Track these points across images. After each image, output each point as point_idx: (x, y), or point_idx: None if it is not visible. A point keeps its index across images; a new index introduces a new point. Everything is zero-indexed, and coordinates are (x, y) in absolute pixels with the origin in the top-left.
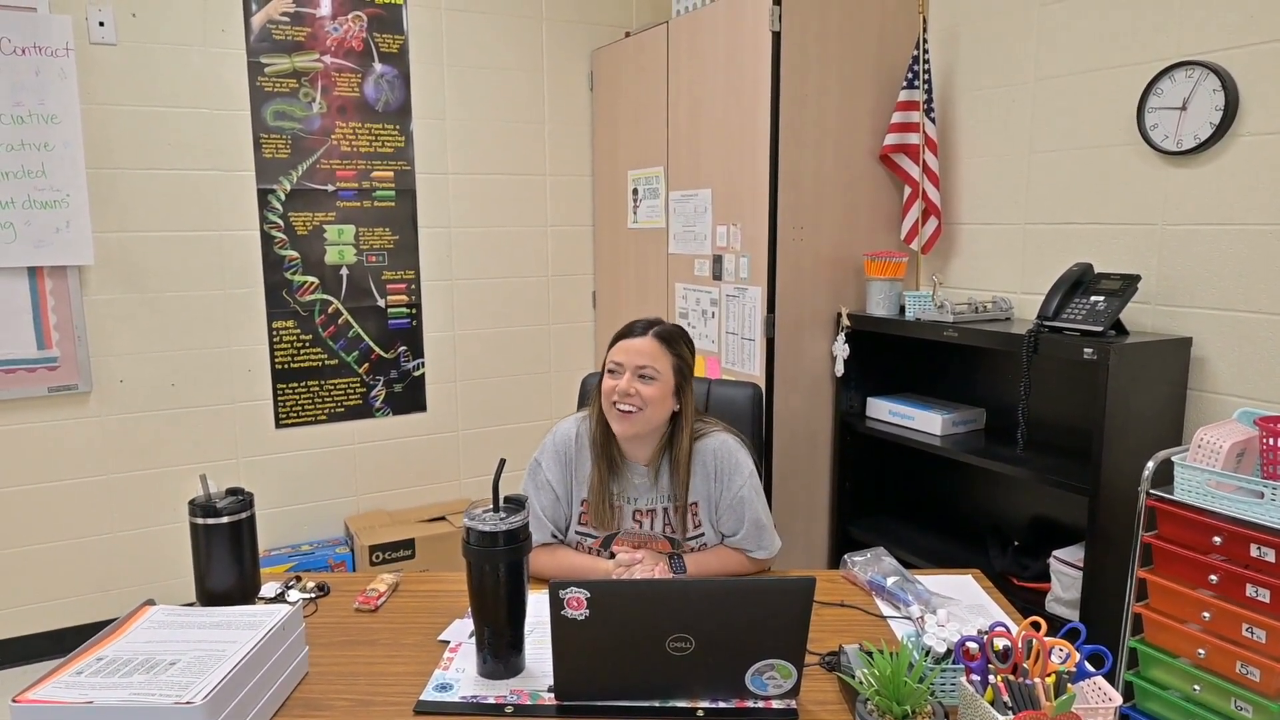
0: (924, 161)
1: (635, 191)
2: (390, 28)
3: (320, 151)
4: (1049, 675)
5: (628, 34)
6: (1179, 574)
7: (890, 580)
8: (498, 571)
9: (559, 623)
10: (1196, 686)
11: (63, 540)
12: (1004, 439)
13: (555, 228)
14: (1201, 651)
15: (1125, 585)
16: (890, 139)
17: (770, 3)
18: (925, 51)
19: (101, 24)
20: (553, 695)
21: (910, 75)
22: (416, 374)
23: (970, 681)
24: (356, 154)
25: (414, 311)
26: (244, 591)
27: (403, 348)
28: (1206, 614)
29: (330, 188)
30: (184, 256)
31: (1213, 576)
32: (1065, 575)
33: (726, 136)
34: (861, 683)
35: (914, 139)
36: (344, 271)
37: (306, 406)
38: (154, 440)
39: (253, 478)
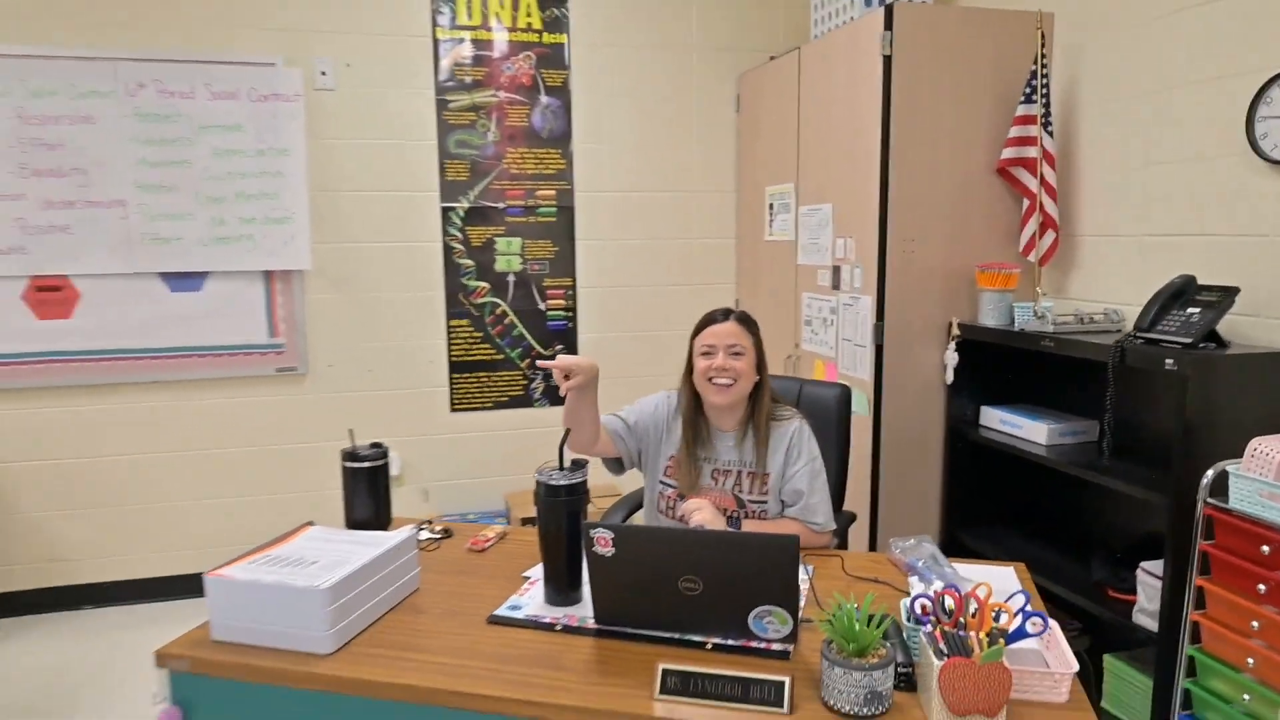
0: (1041, 174)
1: (771, 206)
2: (555, 64)
3: (493, 174)
4: (984, 631)
5: (772, 58)
6: (1232, 583)
7: (921, 562)
8: (559, 517)
9: (592, 558)
10: (1246, 696)
11: (278, 493)
12: (1114, 451)
13: (700, 240)
14: (1251, 660)
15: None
16: (1007, 153)
17: (882, 29)
18: (1044, 66)
19: (323, 73)
20: (596, 622)
21: (1028, 90)
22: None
23: (923, 633)
24: (524, 175)
25: (570, 314)
26: (378, 521)
27: (559, 346)
28: (1255, 623)
29: (501, 205)
30: (381, 263)
31: (1261, 586)
32: (1149, 586)
33: (845, 154)
34: (828, 624)
35: (1032, 152)
36: (511, 278)
37: (476, 395)
38: (352, 415)
39: (429, 453)
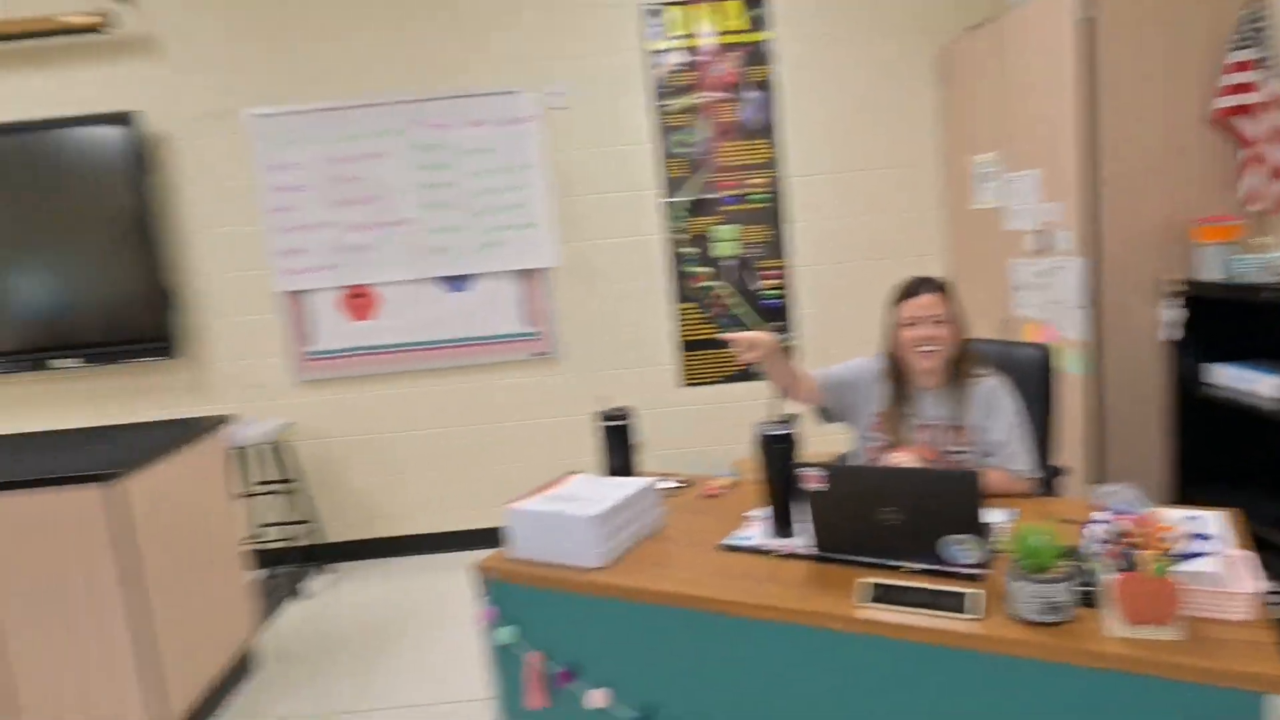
0: (1266, 120)
1: (976, 176)
2: (759, 60)
3: (708, 168)
4: (1156, 550)
5: (972, 28)
6: None
7: (1120, 502)
8: (776, 461)
9: (809, 493)
10: None
11: (537, 459)
12: None
13: (906, 214)
14: None
15: None
16: (1224, 101)
17: None
18: (1261, 9)
19: (558, 94)
20: (811, 549)
21: (1242, 35)
22: (787, 345)
23: (1100, 552)
24: (735, 167)
25: (784, 293)
26: (628, 470)
27: (775, 323)
28: None
29: (717, 196)
30: (614, 257)
31: None
32: None
33: (1050, 118)
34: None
35: (1252, 98)
36: (729, 262)
37: (705, 370)
38: (595, 392)
39: (663, 424)
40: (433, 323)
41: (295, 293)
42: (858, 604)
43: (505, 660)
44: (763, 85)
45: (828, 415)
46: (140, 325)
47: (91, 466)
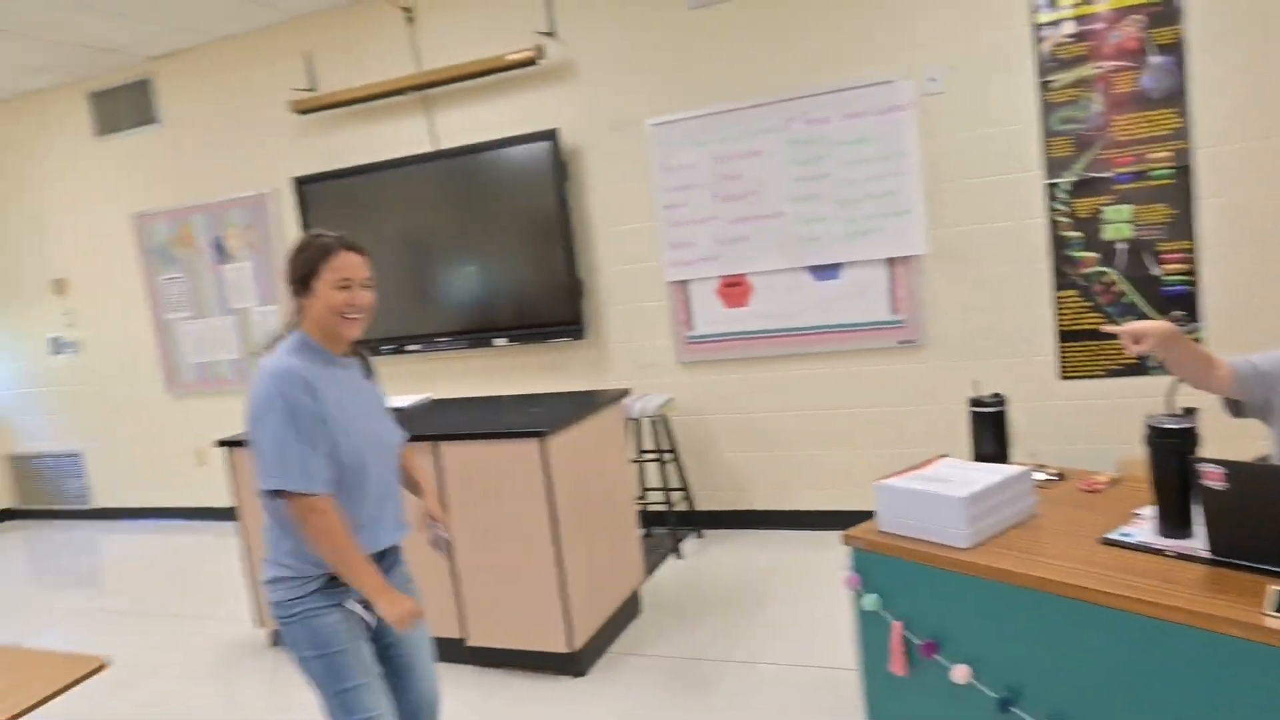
0: None
1: None
2: (1166, 20)
3: (1099, 144)
4: None
5: None
6: None
7: None
8: (1168, 458)
9: (1204, 491)
10: None
11: (899, 446)
12: None
13: None
14: None
15: None
16: None
17: None
18: None
19: (932, 80)
20: (1206, 552)
21: None
22: (1194, 336)
23: None
24: (1133, 141)
25: (1191, 278)
26: (1000, 457)
27: (1178, 312)
28: None
29: (1108, 174)
30: (988, 243)
31: None
32: None
33: None
34: None
35: None
36: (1121, 246)
37: (1087, 363)
38: (963, 383)
39: (1037, 419)
40: (801, 310)
41: (680, 282)
42: (1268, 612)
43: (869, 626)
44: (1169, 49)
45: (1240, 410)
46: (556, 311)
47: (529, 425)
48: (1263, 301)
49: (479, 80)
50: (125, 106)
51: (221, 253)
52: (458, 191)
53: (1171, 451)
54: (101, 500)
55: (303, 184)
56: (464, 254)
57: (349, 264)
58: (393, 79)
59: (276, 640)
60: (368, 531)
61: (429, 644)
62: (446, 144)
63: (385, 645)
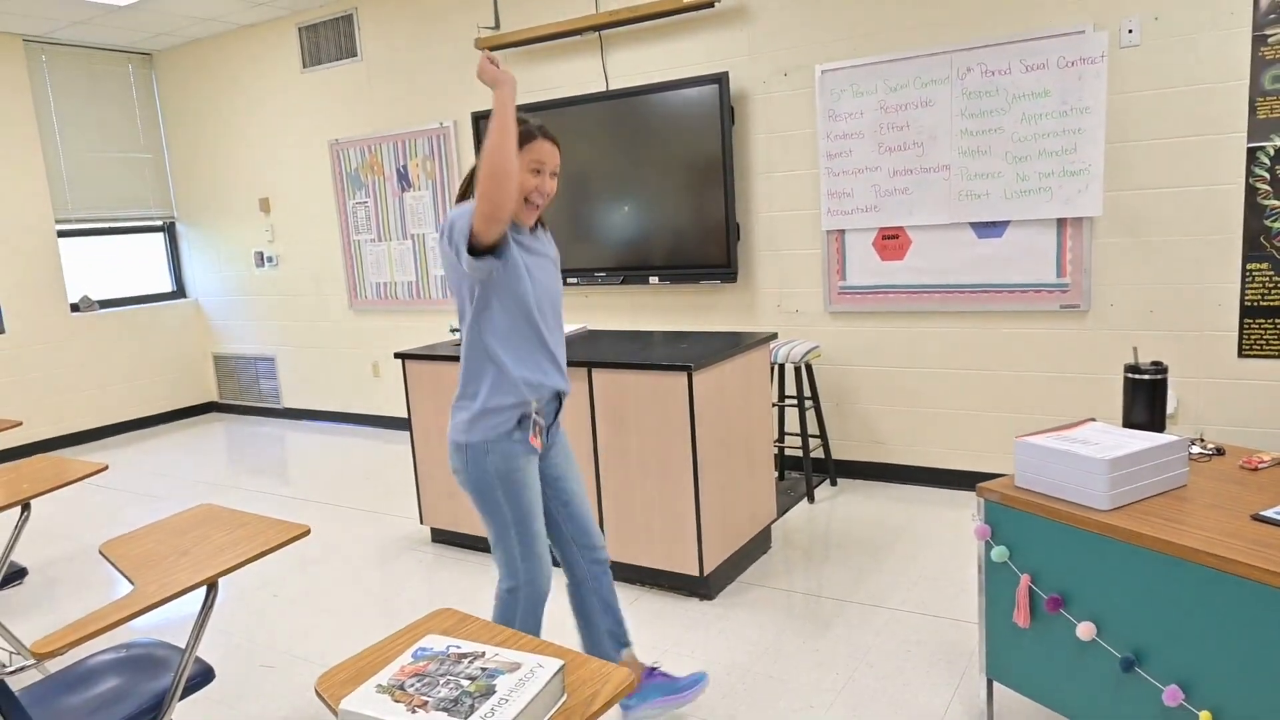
0: None
1: None
2: None
3: None
4: None
5: None
6: None
7: None
8: None
9: None
10: None
11: (1052, 414)
12: None
13: None
14: None
15: None
16: None
17: None
18: None
19: (1130, 31)
20: None
21: None
22: None
23: None
24: None
25: None
26: (1153, 425)
27: None
28: None
29: None
30: (1172, 208)
31: None
32: None
33: None
34: None
35: None
36: None
37: (1271, 342)
38: (1130, 353)
39: (1209, 396)
40: (960, 267)
41: (837, 231)
42: None
43: (995, 577)
44: None
45: None
46: (710, 253)
47: (677, 359)
48: None
49: (653, 22)
50: (330, 40)
51: (405, 181)
52: (624, 131)
53: None
54: (290, 401)
55: (480, 119)
56: (626, 193)
57: (545, 151)
58: (571, 19)
59: (436, 536)
60: (553, 373)
61: (581, 479)
62: (617, 84)
63: (552, 479)
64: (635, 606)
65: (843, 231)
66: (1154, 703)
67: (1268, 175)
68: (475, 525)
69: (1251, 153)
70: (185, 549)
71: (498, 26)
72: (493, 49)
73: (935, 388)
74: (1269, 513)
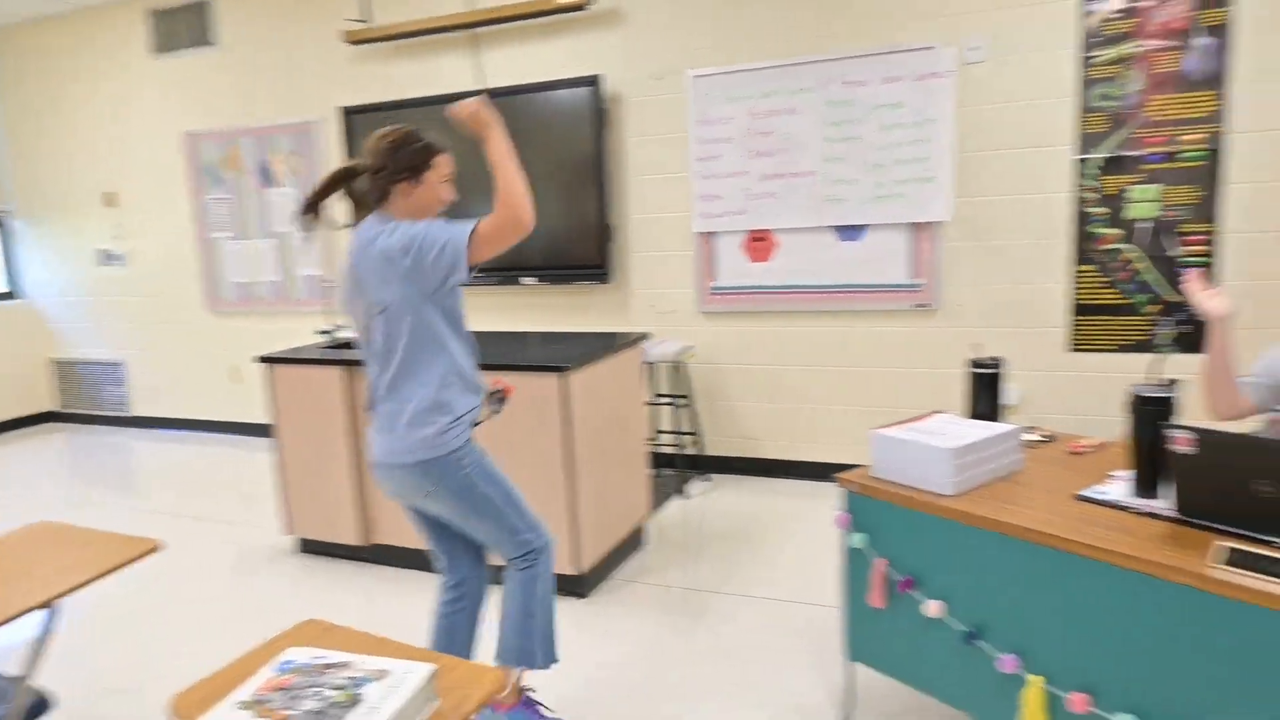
0: None
1: None
2: (1215, 2)
3: (1133, 123)
4: None
5: None
6: None
7: None
8: (1146, 423)
9: (1175, 456)
10: None
11: (904, 407)
12: None
13: None
14: None
15: None
16: None
17: None
18: None
19: (974, 49)
20: (1171, 511)
21: None
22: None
23: None
24: (1167, 122)
25: (1209, 261)
26: (992, 416)
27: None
28: None
29: (1139, 153)
30: (1010, 214)
31: None
32: None
33: None
34: None
35: None
36: (1143, 225)
37: (1097, 337)
38: (970, 348)
39: (1044, 388)
40: (823, 268)
41: (708, 234)
42: (1212, 564)
43: (854, 563)
44: (1215, 31)
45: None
46: (584, 254)
47: (551, 360)
48: (1276, 288)
49: (527, 22)
50: (183, 26)
51: (267, 177)
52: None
53: (1150, 418)
54: (140, 409)
55: (350, 114)
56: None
57: (449, 162)
58: (444, 15)
59: (304, 546)
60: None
61: None
62: (491, 83)
63: None
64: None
65: (713, 234)
66: (992, 670)
67: (1093, 184)
68: (348, 532)
69: (1079, 164)
70: (22, 570)
71: (367, 19)
72: (359, 42)
73: (801, 384)
74: (1088, 492)
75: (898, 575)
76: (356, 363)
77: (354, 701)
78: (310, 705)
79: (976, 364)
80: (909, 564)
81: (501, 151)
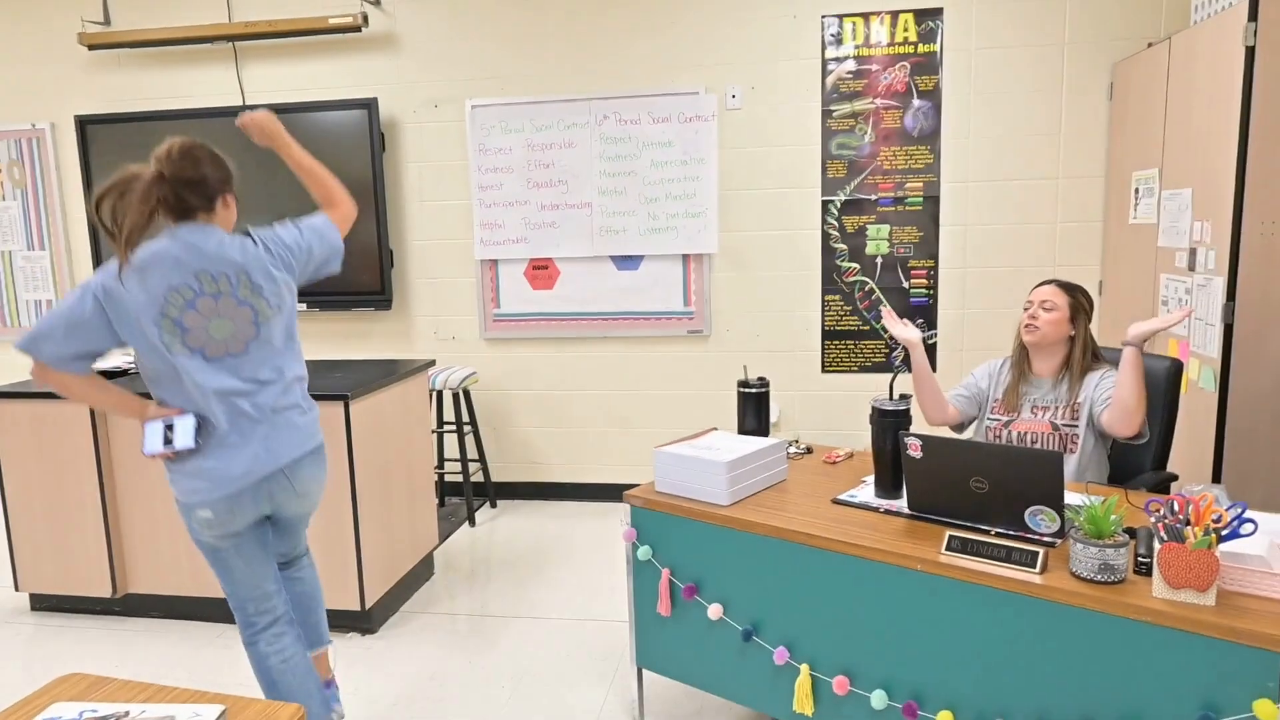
0: None
1: (1136, 190)
2: (928, 70)
3: (868, 171)
4: (1200, 527)
5: (1150, 44)
6: None
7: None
8: (885, 433)
9: (907, 460)
10: None
11: (683, 426)
12: None
13: (1064, 224)
14: None
15: None
16: None
17: (1245, 19)
18: None
19: (733, 96)
20: (908, 509)
21: None
22: (930, 342)
23: (1151, 525)
24: (895, 170)
25: (931, 292)
26: (761, 431)
27: (920, 320)
28: None
29: (873, 197)
30: (770, 248)
31: None
32: None
33: (1206, 139)
34: (1076, 513)
35: None
36: (879, 260)
37: (845, 359)
38: (740, 370)
39: (803, 405)
40: (602, 296)
41: (490, 261)
42: (942, 552)
43: (641, 574)
44: (927, 94)
45: (961, 429)
46: (364, 280)
47: (333, 389)
48: (982, 315)
49: (296, 39)
50: None
51: None
52: (263, 150)
53: (888, 428)
54: None
55: (86, 123)
56: (267, 216)
57: None
58: (199, 25)
59: (36, 604)
60: None
61: None
62: (255, 99)
63: None
64: None
65: (496, 261)
66: (768, 663)
67: (836, 223)
68: (96, 584)
69: (825, 204)
70: None
71: (107, 23)
72: (95, 47)
73: (584, 408)
74: (842, 496)
75: (681, 583)
76: None
77: None
78: None
79: (745, 385)
80: (691, 572)
81: (303, 154)
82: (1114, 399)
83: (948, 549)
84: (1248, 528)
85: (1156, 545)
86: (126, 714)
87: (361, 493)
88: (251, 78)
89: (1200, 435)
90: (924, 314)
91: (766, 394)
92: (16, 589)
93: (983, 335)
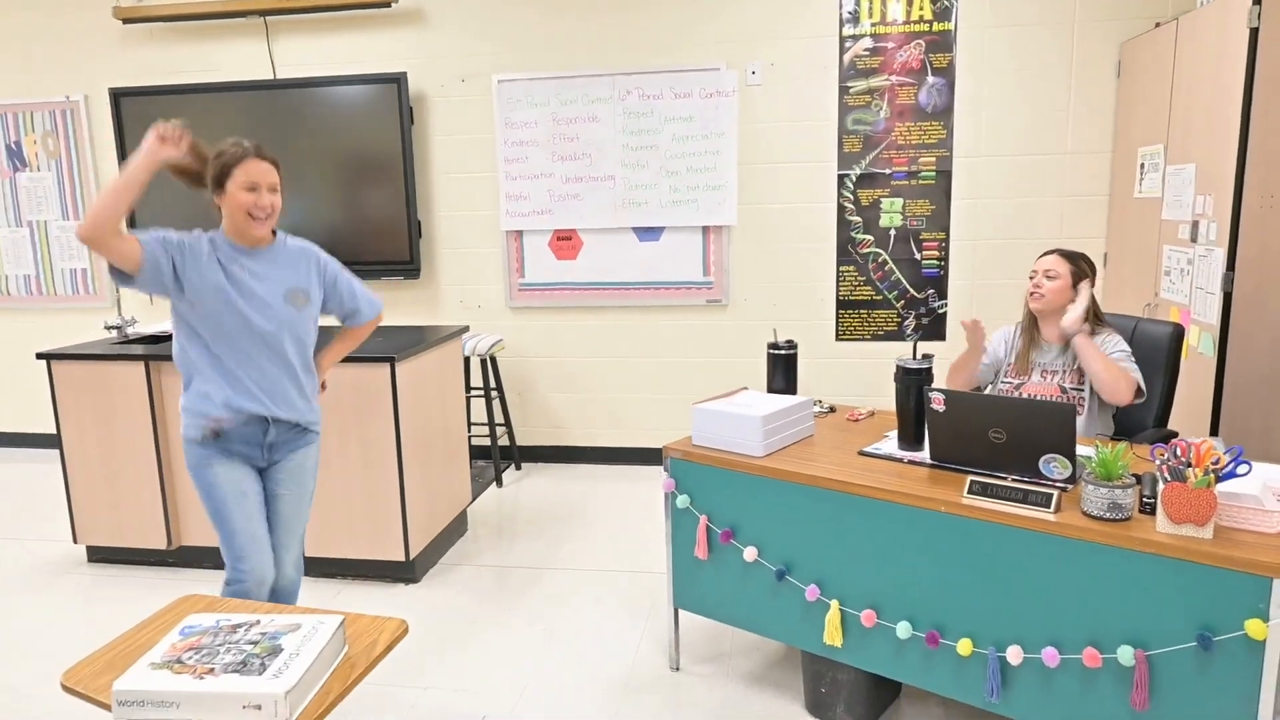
0: None
1: (1142, 165)
2: (942, 48)
3: (883, 146)
4: (1200, 468)
5: (1158, 24)
6: None
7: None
8: (910, 389)
9: (930, 413)
10: None
11: (702, 394)
12: None
13: (1072, 198)
14: None
15: None
16: None
17: (1250, 2)
18: None
19: (753, 73)
20: (930, 459)
21: None
22: (940, 311)
23: (1156, 467)
24: (909, 145)
25: (943, 264)
26: (789, 391)
27: (931, 290)
28: None
29: (888, 171)
30: (787, 220)
31: None
32: None
33: (1210, 118)
34: (1088, 458)
35: None
36: (892, 232)
37: (859, 328)
38: (759, 339)
39: (818, 373)
40: (624, 266)
41: (515, 232)
42: (964, 495)
43: (680, 521)
44: (942, 71)
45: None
46: (393, 250)
47: (379, 351)
48: (991, 286)
49: (326, 14)
50: None
51: (18, 159)
52: (295, 124)
53: (912, 385)
54: None
55: (120, 96)
56: (299, 188)
57: (258, 170)
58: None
59: (93, 555)
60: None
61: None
62: (286, 74)
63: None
64: (339, 599)
65: (521, 232)
66: (800, 601)
67: (851, 196)
68: (152, 536)
69: (840, 178)
70: None
71: None
72: (129, 21)
73: (606, 375)
74: (868, 449)
75: (718, 529)
76: (159, 358)
77: (274, 651)
78: (229, 659)
79: (775, 346)
80: (727, 518)
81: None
82: (1092, 380)
83: (969, 492)
84: (1243, 469)
85: (1160, 486)
86: (257, 621)
87: (406, 449)
88: (282, 51)
89: (1199, 397)
90: (935, 285)
91: (795, 356)
92: (75, 541)
93: (992, 305)
